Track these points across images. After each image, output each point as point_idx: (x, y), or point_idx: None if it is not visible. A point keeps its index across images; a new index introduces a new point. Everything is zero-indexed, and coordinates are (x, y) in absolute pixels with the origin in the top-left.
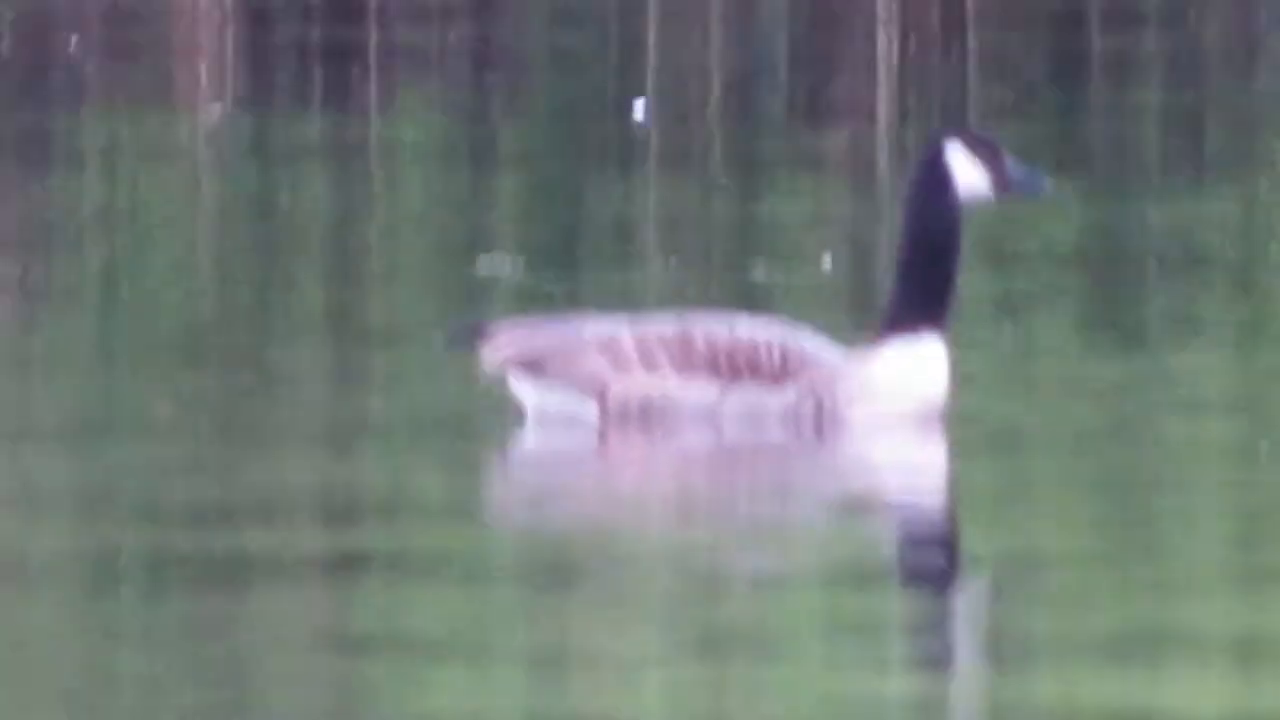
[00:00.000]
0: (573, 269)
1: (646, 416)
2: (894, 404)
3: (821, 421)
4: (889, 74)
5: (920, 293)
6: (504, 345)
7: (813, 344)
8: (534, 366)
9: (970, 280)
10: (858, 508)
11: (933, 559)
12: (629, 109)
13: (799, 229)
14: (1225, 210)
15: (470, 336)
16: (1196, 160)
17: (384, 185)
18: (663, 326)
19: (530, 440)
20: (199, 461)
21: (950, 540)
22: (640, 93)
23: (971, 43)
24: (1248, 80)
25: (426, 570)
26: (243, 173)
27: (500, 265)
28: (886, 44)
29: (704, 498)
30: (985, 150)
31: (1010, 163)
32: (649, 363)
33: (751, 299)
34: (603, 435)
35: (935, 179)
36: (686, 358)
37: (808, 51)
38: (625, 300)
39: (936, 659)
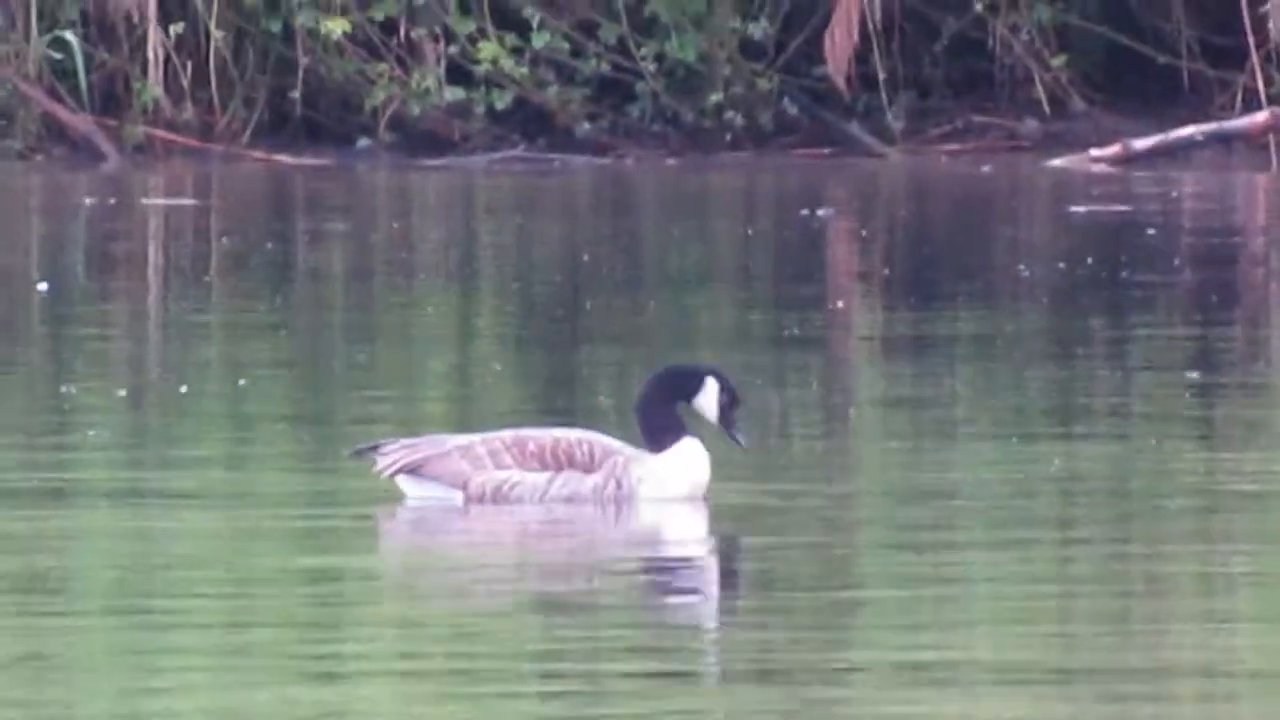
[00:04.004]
0: None
1: (497, 499)
2: (673, 489)
3: (620, 498)
4: None
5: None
6: (392, 455)
7: (608, 441)
8: (414, 469)
9: None
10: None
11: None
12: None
13: None
14: None
15: (367, 450)
16: None
17: None
18: (504, 435)
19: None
20: None
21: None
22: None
23: None
24: None
25: None
26: None
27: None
28: None
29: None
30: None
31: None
32: (497, 461)
33: None
34: (466, 513)
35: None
36: (523, 455)
37: None
38: None
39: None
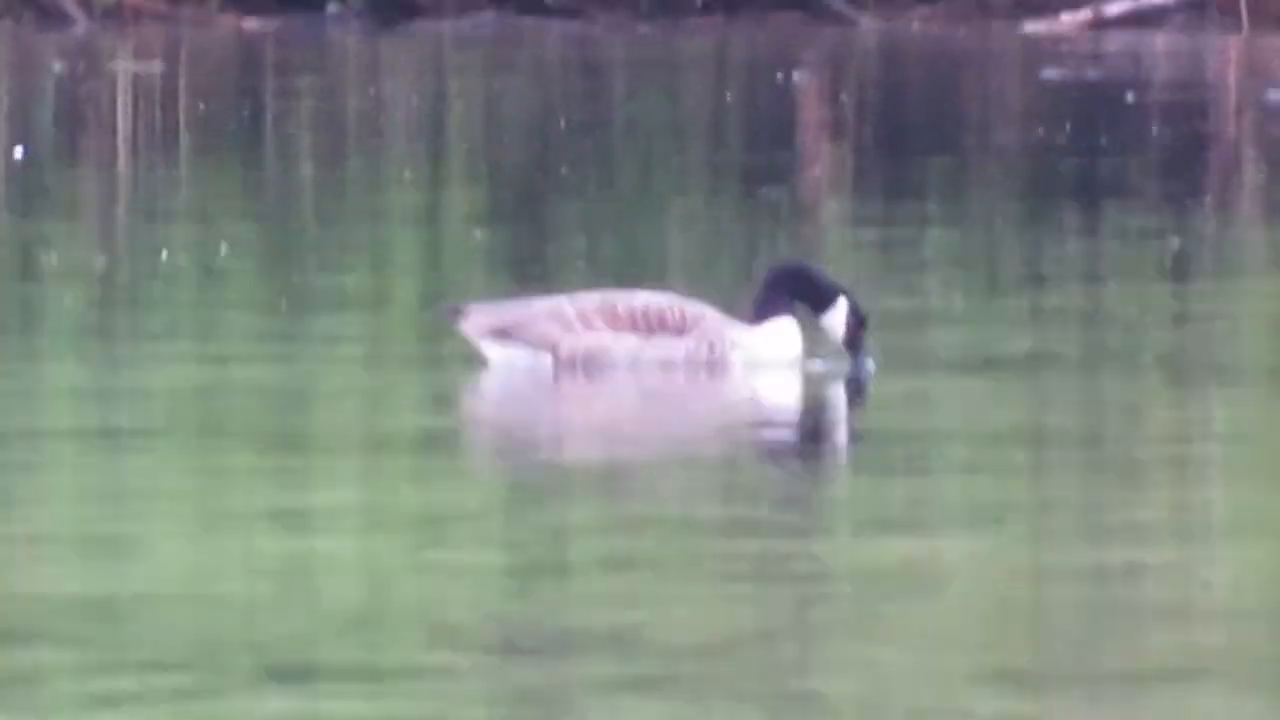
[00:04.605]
0: None
1: (588, 364)
2: (764, 359)
3: (713, 362)
4: None
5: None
6: (478, 317)
7: (698, 306)
8: (502, 333)
9: None
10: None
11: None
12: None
13: None
14: None
15: (451, 313)
16: None
17: None
18: (592, 297)
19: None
20: None
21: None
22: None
23: None
24: None
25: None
26: None
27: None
28: None
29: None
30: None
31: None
32: (587, 324)
33: None
34: (556, 379)
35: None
36: (614, 319)
37: None
38: None
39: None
